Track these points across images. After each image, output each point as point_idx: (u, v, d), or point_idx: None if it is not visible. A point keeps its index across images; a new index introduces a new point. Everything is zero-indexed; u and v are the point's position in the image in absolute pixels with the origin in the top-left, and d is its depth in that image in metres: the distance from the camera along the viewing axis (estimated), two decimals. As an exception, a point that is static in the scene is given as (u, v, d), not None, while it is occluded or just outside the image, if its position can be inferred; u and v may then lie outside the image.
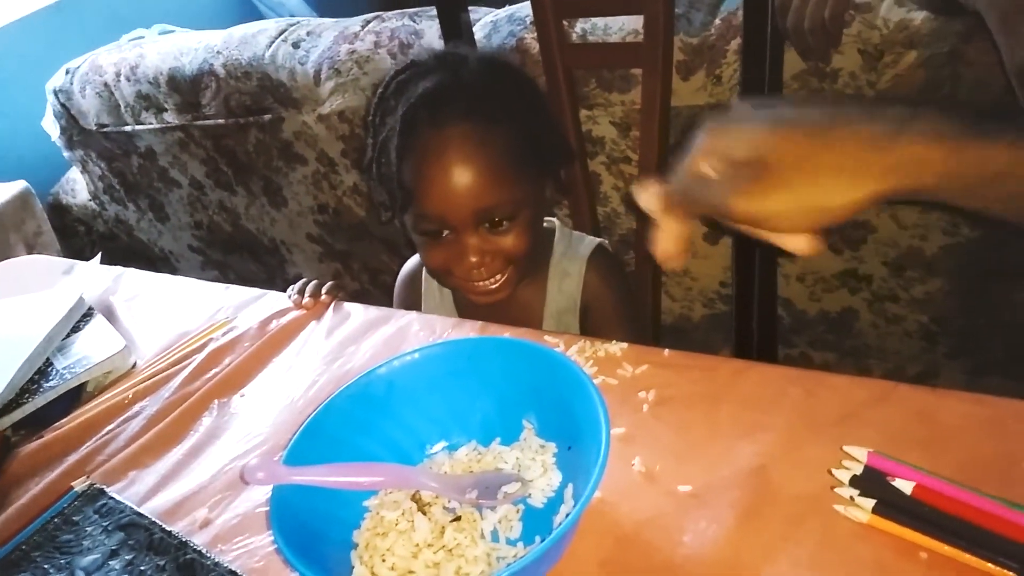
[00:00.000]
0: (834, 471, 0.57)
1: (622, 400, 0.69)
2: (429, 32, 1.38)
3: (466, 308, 1.04)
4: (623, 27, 1.18)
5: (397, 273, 1.17)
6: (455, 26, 1.27)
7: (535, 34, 1.19)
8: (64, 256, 1.50)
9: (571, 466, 0.62)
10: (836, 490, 0.56)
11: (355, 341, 0.86)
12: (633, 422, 0.67)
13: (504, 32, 1.29)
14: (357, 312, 0.91)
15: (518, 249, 0.89)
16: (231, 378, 0.84)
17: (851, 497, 0.55)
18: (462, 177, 0.84)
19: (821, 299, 1.28)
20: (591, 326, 1.01)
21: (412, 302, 1.11)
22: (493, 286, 0.92)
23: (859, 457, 0.57)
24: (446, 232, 0.88)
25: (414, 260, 1.13)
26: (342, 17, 1.58)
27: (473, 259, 0.87)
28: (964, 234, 1.12)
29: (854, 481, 0.56)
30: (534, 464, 0.63)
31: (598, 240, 1.04)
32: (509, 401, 0.66)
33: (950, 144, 0.44)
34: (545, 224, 1.04)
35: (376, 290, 1.76)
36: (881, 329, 1.27)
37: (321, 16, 1.82)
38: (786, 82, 1.09)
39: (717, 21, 1.14)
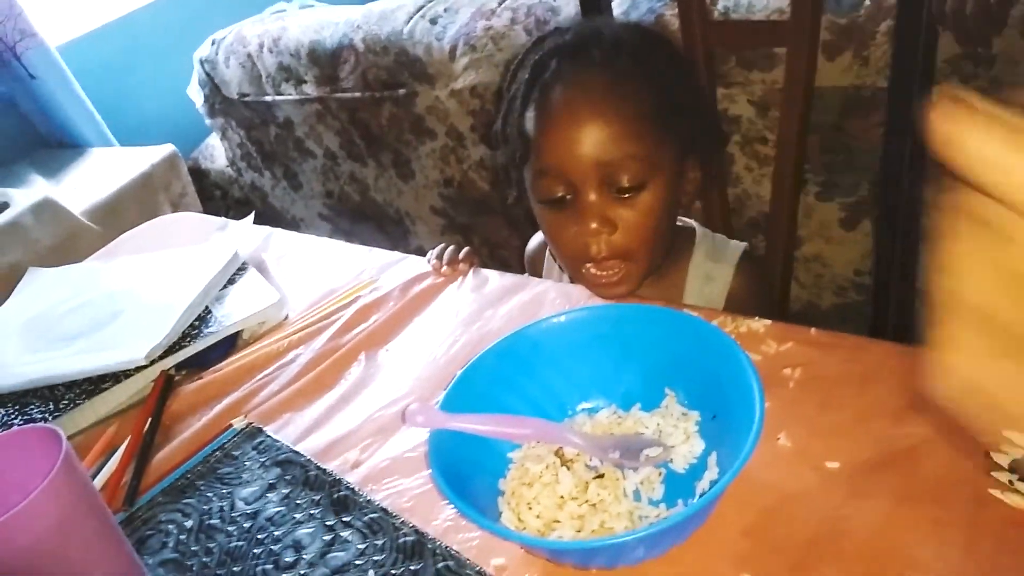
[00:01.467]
0: (992, 454, 0.56)
1: (767, 376, 0.67)
2: (567, 8, 1.39)
3: None
4: (768, 4, 1.17)
5: (517, 248, 1.18)
6: (594, 1, 1.28)
7: (675, 10, 1.18)
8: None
9: (715, 435, 0.62)
10: (993, 474, 0.55)
11: (493, 305, 0.88)
12: (779, 397, 0.67)
13: (643, 8, 1.29)
14: (494, 278, 0.93)
15: (644, 229, 0.81)
16: (377, 333, 0.88)
17: (1009, 481, 0.54)
18: (587, 124, 0.76)
19: (962, 293, 1.23)
20: None
21: (536, 269, 1.12)
22: (614, 277, 0.83)
23: (1019, 442, 0.56)
24: (567, 195, 0.80)
25: (537, 238, 1.11)
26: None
27: (593, 224, 0.79)
28: None
29: (1013, 465, 0.55)
30: (676, 431, 0.64)
31: (744, 244, 0.97)
32: (652, 369, 0.67)
33: None
34: (683, 223, 0.98)
35: (494, 263, 1.78)
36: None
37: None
38: (939, 67, 1.05)
39: (867, 1, 1.11)
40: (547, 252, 1.08)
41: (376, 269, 1.01)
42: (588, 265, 0.84)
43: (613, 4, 1.33)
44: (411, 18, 1.60)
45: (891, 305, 1.16)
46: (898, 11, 1.06)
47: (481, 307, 0.89)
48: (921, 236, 1.16)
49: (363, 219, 2.04)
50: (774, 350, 0.71)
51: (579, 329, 0.69)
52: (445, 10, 1.57)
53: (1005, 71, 1.03)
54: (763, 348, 0.72)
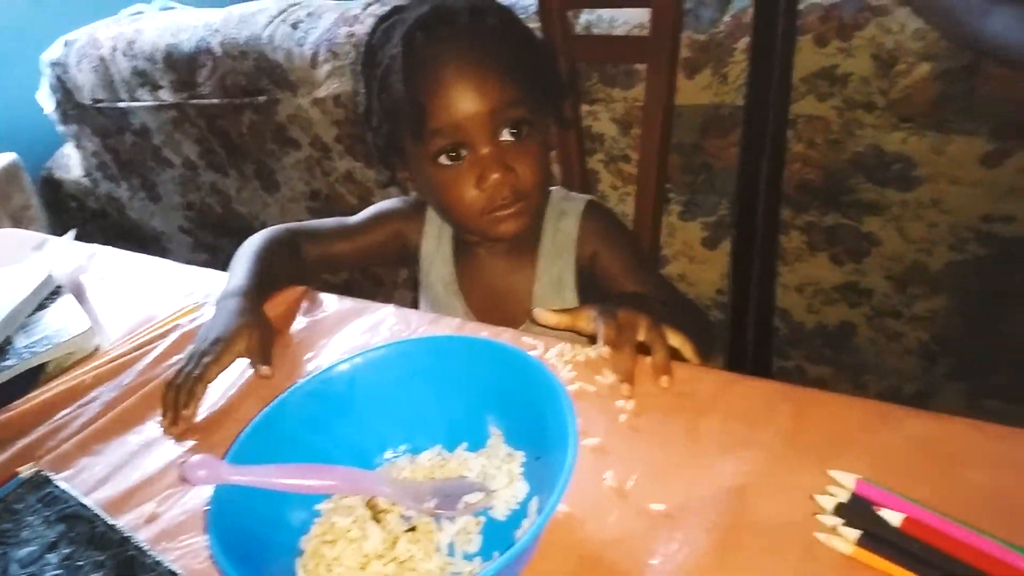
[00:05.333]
0: (818, 497, 0.53)
1: (599, 408, 0.65)
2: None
3: (464, 249, 0.99)
4: (629, 20, 1.14)
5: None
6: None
7: (539, 24, 1.15)
8: (56, 232, 1.47)
9: (539, 477, 0.57)
10: (819, 517, 0.52)
11: (327, 334, 0.82)
12: (609, 432, 0.63)
13: (506, 21, 1.25)
14: (331, 303, 0.87)
15: (537, 167, 0.86)
16: (195, 365, 0.80)
17: (834, 527, 0.51)
18: (471, 80, 0.81)
19: (820, 311, 1.23)
20: (601, 273, 0.95)
21: (409, 227, 1.02)
22: (515, 212, 0.86)
23: (846, 484, 0.53)
24: (464, 152, 0.83)
25: (400, 201, 1.06)
26: None
27: (495, 175, 0.82)
28: (971, 251, 1.08)
29: (839, 509, 0.52)
30: (500, 473, 0.59)
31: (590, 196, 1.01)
32: (478, 404, 0.62)
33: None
34: None
35: (365, 281, 1.72)
36: (880, 345, 1.23)
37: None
38: (795, 84, 1.05)
39: (727, 18, 1.10)
40: (428, 212, 1.01)
41: (204, 293, 0.93)
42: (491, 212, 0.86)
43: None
44: (271, 22, 1.51)
45: (750, 323, 1.15)
46: (754, 27, 1.05)
47: (315, 336, 0.83)
48: (777, 255, 1.16)
49: (226, 232, 1.93)
50: (610, 380, 0.67)
51: (400, 363, 0.63)
52: (308, 15, 1.49)
53: (859, 91, 1.04)
54: (598, 378, 0.68)
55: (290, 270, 0.95)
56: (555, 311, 0.77)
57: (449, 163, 0.84)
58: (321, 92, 1.46)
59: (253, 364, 0.78)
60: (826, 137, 1.07)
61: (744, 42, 1.08)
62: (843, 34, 1.02)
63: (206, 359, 0.75)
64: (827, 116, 1.06)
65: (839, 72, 1.03)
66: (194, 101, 1.67)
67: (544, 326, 0.77)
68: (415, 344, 0.65)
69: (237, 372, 0.78)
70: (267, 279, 0.89)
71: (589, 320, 0.74)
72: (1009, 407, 1.18)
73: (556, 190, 1.00)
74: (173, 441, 0.72)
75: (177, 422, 0.73)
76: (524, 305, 0.96)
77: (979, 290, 1.12)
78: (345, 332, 0.82)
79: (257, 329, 0.79)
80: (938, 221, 1.08)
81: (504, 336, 0.77)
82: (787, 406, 0.63)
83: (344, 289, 1.77)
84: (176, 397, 0.74)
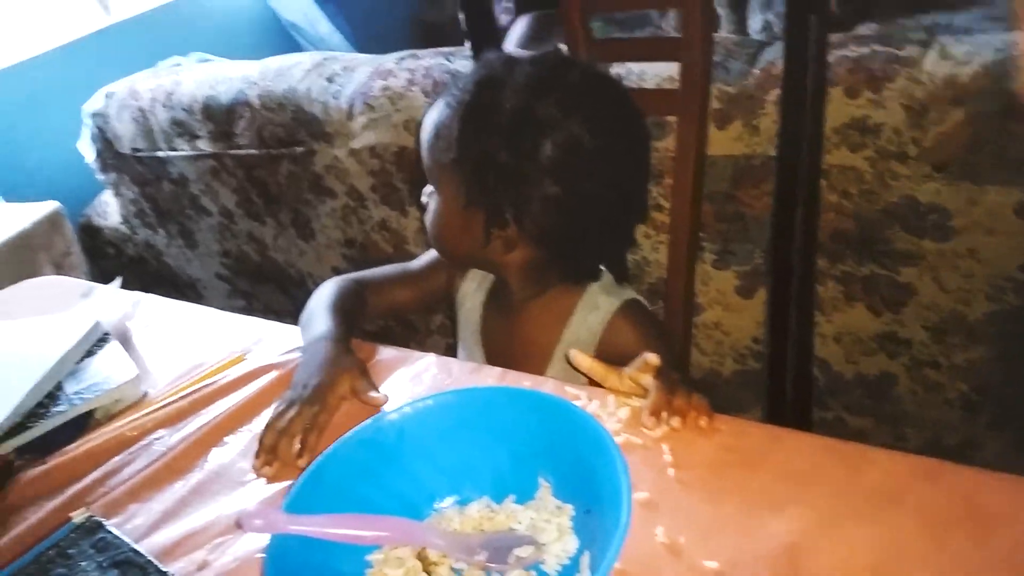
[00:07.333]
0: None
1: (647, 462, 0.65)
2: (464, 71, 1.37)
3: (495, 303, 1.01)
4: (659, 73, 1.17)
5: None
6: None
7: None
8: (94, 278, 1.50)
9: (589, 531, 0.58)
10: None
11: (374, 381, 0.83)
12: (657, 487, 0.63)
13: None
14: (376, 353, 0.88)
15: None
16: (242, 414, 0.81)
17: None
18: (425, 131, 0.89)
19: (859, 362, 1.23)
20: None
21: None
22: None
23: None
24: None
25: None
26: (381, 53, 1.58)
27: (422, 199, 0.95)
28: (1009, 300, 1.07)
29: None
30: (549, 526, 0.60)
31: (635, 295, 0.98)
32: (525, 456, 0.63)
33: None
34: None
35: (397, 327, 1.73)
36: (920, 396, 1.22)
37: (360, 52, 1.82)
38: (827, 135, 1.06)
39: (756, 71, 1.12)
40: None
41: (251, 341, 0.94)
42: None
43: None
44: (307, 75, 1.55)
45: (788, 373, 1.15)
46: (784, 79, 1.07)
47: (360, 383, 0.84)
48: (814, 304, 1.16)
49: (263, 280, 1.96)
50: (656, 433, 0.68)
51: (447, 414, 0.64)
52: (343, 69, 1.53)
53: (892, 141, 1.05)
54: (644, 431, 0.68)
55: (360, 319, 0.97)
56: (591, 358, 0.77)
57: None
58: (357, 143, 1.49)
59: (361, 397, 0.78)
60: (860, 187, 1.08)
61: (774, 94, 1.10)
62: (873, 86, 1.04)
63: (314, 409, 0.75)
64: (860, 167, 1.07)
65: (871, 123, 1.05)
66: (232, 151, 1.71)
67: (576, 368, 0.77)
68: (462, 395, 0.65)
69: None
70: (347, 325, 0.90)
71: (621, 377, 0.75)
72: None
73: (603, 280, 0.97)
74: (223, 490, 0.73)
75: (272, 464, 0.73)
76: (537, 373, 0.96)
77: (1018, 339, 1.11)
78: (390, 382, 0.83)
79: (355, 369, 0.80)
80: (975, 271, 1.07)
81: (547, 387, 0.78)
82: (835, 462, 0.63)
83: (379, 336, 1.79)
84: (277, 443, 0.73)
